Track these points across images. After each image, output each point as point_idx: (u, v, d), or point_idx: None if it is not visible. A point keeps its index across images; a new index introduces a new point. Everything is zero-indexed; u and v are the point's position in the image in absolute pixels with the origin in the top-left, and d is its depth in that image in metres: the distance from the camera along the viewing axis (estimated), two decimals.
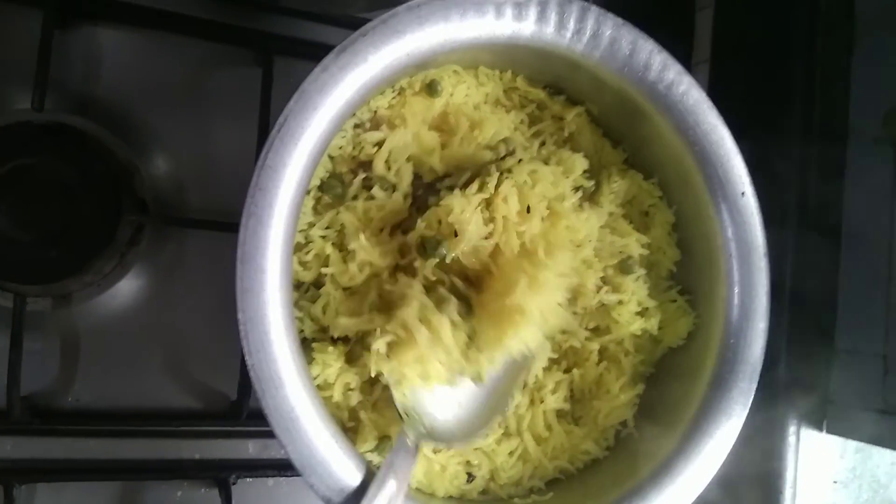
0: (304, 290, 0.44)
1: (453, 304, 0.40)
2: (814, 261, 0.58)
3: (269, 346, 0.36)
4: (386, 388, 0.43)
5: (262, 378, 0.36)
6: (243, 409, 0.54)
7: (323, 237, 0.43)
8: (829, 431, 0.58)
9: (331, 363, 0.42)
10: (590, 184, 0.48)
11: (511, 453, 0.47)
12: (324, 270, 0.43)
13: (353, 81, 0.38)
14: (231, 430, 0.56)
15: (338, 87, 0.38)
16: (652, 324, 0.49)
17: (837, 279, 0.58)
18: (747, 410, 0.45)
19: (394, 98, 0.45)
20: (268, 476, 0.57)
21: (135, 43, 0.56)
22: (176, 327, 0.56)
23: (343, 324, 0.42)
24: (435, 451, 0.45)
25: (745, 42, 0.66)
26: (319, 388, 0.42)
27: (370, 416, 0.43)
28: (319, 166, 0.41)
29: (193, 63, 0.57)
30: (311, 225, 0.43)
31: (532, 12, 0.42)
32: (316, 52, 0.40)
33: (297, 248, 0.43)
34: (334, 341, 0.43)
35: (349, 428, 0.43)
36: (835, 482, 0.58)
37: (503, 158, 0.44)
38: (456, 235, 0.41)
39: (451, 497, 0.46)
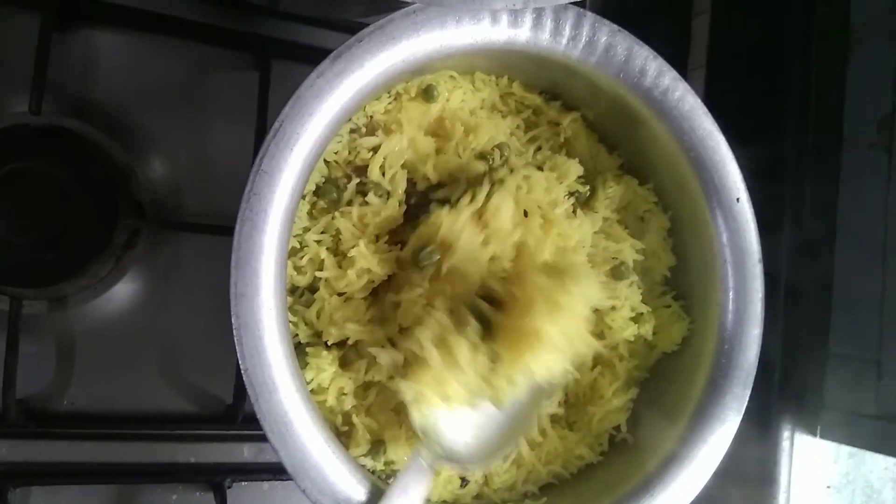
0: (299, 295, 0.44)
1: (472, 326, 0.38)
2: (808, 267, 0.58)
3: (262, 352, 0.36)
4: (380, 393, 0.43)
5: (256, 383, 0.36)
6: (238, 413, 0.54)
7: (318, 242, 0.43)
8: (823, 436, 0.58)
9: (325, 368, 0.42)
10: (585, 189, 0.48)
11: (505, 458, 0.46)
12: (318, 274, 0.43)
13: (348, 87, 0.39)
14: (226, 434, 0.56)
15: (333, 92, 0.38)
16: (646, 329, 0.49)
17: (832, 285, 0.59)
18: (741, 416, 0.45)
19: (390, 103, 0.45)
20: (263, 480, 0.57)
21: (132, 46, 0.56)
22: (172, 331, 0.56)
23: (352, 330, 0.42)
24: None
25: (741, 48, 0.66)
26: (313, 392, 0.42)
27: (364, 420, 0.43)
28: (315, 171, 0.41)
29: (191, 66, 0.57)
30: (307, 230, 0.43)
31: (528, 19, 0.42)
32: (313, 56, 0.40)
33: (292, 253, 0.43)
34: (328, 346, 0.43)
35: (342, 432, 0.44)
36: (828, 487, 0.58)
37: (495, 169, 0.44)
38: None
39: (444, 502, 0.46)
